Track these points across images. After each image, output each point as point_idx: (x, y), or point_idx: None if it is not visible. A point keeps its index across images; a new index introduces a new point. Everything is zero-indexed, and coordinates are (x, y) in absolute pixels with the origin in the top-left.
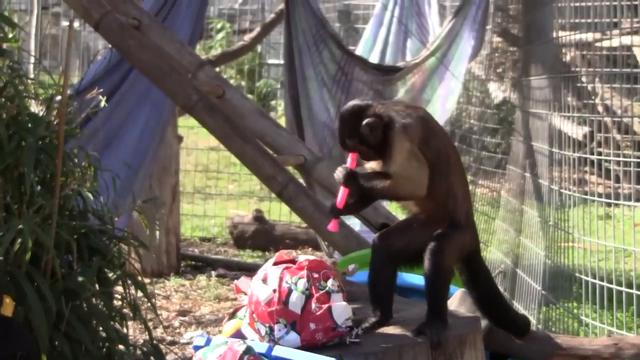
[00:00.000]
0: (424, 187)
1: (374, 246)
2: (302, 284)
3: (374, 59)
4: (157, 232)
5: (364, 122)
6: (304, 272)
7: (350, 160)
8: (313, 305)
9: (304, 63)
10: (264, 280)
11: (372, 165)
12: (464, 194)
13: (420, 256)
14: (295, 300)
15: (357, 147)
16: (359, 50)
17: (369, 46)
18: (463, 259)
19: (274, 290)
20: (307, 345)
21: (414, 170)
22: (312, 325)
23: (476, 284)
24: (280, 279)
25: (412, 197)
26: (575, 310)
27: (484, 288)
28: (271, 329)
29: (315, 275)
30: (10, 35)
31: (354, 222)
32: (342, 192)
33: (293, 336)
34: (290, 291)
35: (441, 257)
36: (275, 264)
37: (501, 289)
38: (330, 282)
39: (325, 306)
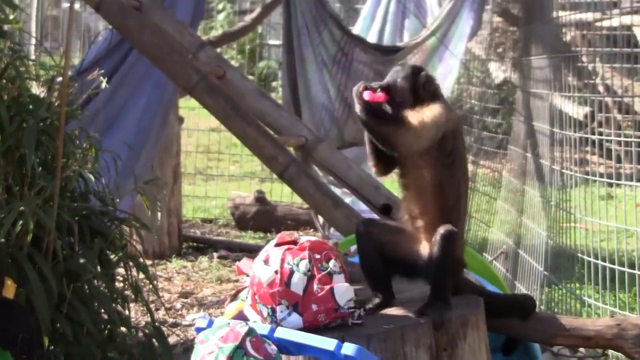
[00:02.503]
0: (425, 141)
1: (358, 232)
2: (303, 265)
3: (372, 37)
4: (159, 214)
5: (423, 73)
6: (306, 253)
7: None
8: (315, 286)
9: (303, 44)
10: (266, 262)
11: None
12: (463, 202)
13: (404, 266)
14: (297, 282)
15: (401, 91)
16: (357, 29)
17: (367, 24)
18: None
19: (276, 272)
20: (310, 327)
21: (427, 126)
22: (314, 307)
23: None
24: (282, 260)
25: (415, 147)
26: (577, 291)
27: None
28: (273, 310)
29: (317, 256)
30: (12, 17)
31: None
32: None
33: (295, 317)
34: (292, 272)
35: (452, 246)
36: (277, 245)
37: (503, 269)
38: (332, 263)
39: (327, 287)
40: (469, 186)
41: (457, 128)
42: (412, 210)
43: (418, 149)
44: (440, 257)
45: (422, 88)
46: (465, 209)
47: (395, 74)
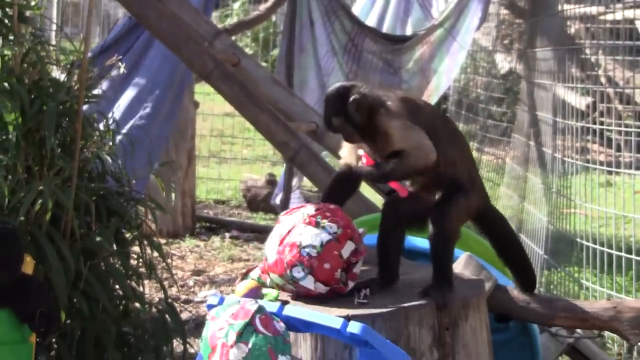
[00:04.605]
0: (433, 150)
1: (384, 210)
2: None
3: (370, 22)
4: (173, 195)
5: (351, 99)
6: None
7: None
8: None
9: (304, 36)
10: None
11: (363, 153)
12: (462, 157)
13: (426, 219)
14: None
15: (343, 127)
16: (356, 10)
17: (367, 8)
18: (473, 217)
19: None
20: (326, 283)
21: (417, 139)
22: (327, 265)
23: (491, 230)
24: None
25: (428, 163)
26: (576, 274)
27: (499, 233)
28: (291, 272)
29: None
30: (33, 3)
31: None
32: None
33: (311, 279)
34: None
35: (446, 221)
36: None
37: None
38: (327, 223)
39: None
40: (455, 135)
41: (408, 107)
42: (417, 180)
43: (428, 162)
44: (434, 238)
45: (356, 114)
46: (460, 156)
47: (324, 116)
